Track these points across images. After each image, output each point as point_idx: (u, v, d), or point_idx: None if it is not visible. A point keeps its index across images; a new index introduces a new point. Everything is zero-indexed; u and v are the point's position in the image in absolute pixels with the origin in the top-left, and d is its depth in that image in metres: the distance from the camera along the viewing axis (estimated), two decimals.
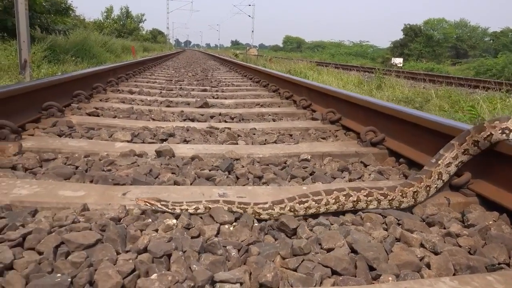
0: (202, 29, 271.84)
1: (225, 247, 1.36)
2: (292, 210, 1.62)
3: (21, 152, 2.32)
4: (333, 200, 1.66)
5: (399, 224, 1.61)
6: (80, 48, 15.86)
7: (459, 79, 12.72)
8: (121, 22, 51.36)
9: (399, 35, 64.83)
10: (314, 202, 1.64)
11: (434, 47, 57.92)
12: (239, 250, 1.36)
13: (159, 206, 1.59)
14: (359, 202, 1.69)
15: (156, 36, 74.54)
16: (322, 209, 1.66)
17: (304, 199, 1.63)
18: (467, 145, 1.86)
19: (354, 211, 1.72)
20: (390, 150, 2.67)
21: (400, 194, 1.73)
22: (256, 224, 1.54)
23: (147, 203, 1.59)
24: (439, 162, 1.85)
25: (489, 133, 1.81)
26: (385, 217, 1.66)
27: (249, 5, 60.59)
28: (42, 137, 2.72)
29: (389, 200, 1.72)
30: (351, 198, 1.68)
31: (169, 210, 1.60)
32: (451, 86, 10.44)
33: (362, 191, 1.70)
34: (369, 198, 1.70)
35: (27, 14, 9.25)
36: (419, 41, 58.12)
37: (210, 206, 1.61)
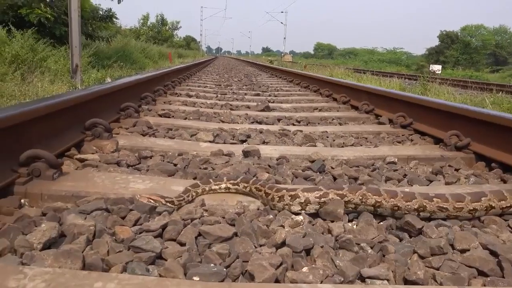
0: (233, 36, 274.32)
1: (359, 244, 1.36)
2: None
3: (118, 149, 2.40)
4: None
5: None
6: (121, 54, 16.31)
7: (508, 87, 12.27)
8: (156, 29, 52.53)
9: (435, 42, 63.41)
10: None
11: (471, 54, 56.42)
12: (372, 247, 1.36)
13: (163, 202, 1.54)
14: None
15: (190, 43, 75.85)
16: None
17: None
18: None
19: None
20: (478, 154, 2.61)
21: None
22: (381, 223, 1.54)
23: (150, 200, 1.52)
24: None
25: None
26: (507, 220, 1.62)
27: (282, 12, 60.80)
28: (129, 136, 2.81)
29: None
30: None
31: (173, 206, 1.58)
32: (502, 94, 10.07)
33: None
34: None
35: (79, 21, 9.59)
36: (455, 48, 56.79)
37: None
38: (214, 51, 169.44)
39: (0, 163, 1.65)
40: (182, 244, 1.33)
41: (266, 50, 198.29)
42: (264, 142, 2.91)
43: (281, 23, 59.66)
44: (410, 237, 1.49)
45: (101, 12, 16.46)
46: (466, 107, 2.83)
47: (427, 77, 12.52)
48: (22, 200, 1.58)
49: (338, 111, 4.82)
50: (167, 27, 55.90)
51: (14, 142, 1.80)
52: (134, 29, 45.22)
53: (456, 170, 2.41)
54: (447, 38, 58.00)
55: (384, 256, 1.32)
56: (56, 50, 12.24)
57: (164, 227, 1.40)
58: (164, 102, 4.66)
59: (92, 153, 2.26)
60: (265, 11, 66.29)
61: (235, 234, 1.38)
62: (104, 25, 16.40)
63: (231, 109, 4.46)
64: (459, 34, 58.96)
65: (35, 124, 2.00)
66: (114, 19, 18.27)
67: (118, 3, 14.90)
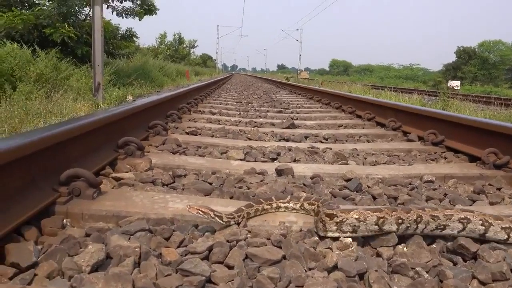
0: (249, 54, 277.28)
1: (413, 268, 1.30)
2: None
3: (151, 167, 2.39)
4: None
5: None
6: (140, 72, 16.57)
7: None
8: (174, 48, 53.40)
9: (452, 58, 62.94)
10: None
11: (490, 70, 55.76)
12: (427, 272, 1.30)
13: (212, 216, 1.53)
14: None
15: (206, 60, 76.83)
16: None
17: None
18: None
19: None
20: None
21: None
22: (434, 246, 1.47)
23: (199, 211, 1.52)
24: None
25: None
26: None
27: (297, 29, 61.30)
28: (160, 154, 2.81)
29: None
30: None
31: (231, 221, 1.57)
32: None
33: None
34: None
35: (102, 40, 9.80)
36: (473, 64, 56.22)
37: None
38: (229, 69, 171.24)
39: (42, 182, 1.64)
40: (230, 267, 1.29)
41: (281, 67, 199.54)
42: (295, 160, 2.87)
43: (297, 40, 60.07)
44: (465, 261, 1.42)
45: (119, 32, 16.81)
46: (504, 124, 2.76)
47: (448, 93, 12.37)
48: (64, 220, 1.56)
49: (363, 128, 4.77)
50: (184, 45, 56.80)
51: (54, 161, 1.80)
52: (152, 48, 46.04)
53: (498, 189, 2.33)
54: (464, 54, 57.50)
55: (441, 281, 1.26)
56: (78, 69, 12.52)
57: (210, 249, 1.36)
58: (189, 120, 4.68)
59: (127, 172, 2.25)
60: (281, 29, 66.90)
61: (283, 257, 1.34)
62: (124, 43, 16.72)
63: (256, 126, 4.44)
64: (476, 49, 58.41)
65: (73, 143, 2.00)
66: (135, 38, 18.66)
67: (139, 20, 15.22)
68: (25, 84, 9.53)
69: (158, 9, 16.06)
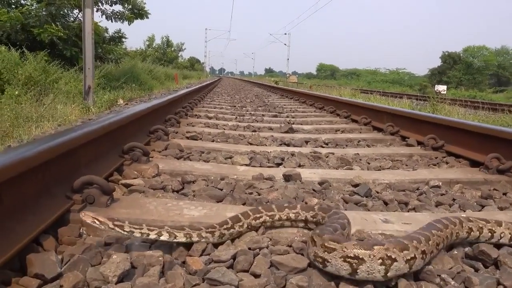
0: (236, 57, 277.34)
1: (439, 275, 1.30)
2: None
3: (159, 173, 2.36)
4: None
5: None
6: (129, 75, 16.45)
7: None
8: (162, 51, 53.16)
9: (437, 63, 63.88)
10: None
11: (474, 75, 56.72)
12: (453, 278, 1.30)
13: (111, 225, 1.34)
14: None
15: (194, 64, 76.64)
16: None
17: None
18: None
19: None
20: None
21: None
22: (455, 252, 1.48)
23: (95, 220, 1.35)
24: None
25: None
26: None
27: (285, 33, 61.55)
28: (164, 159, 2.78)
29: None
30: None
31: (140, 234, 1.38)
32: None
33: None
34: None
35: (93, 44, 9.70)
36: (458, 69, 57.14)
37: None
38: (217, 72, 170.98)
39: (57, 191, 1.61)
40: (256, 276, 1.28)
41: (269, 71, 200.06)
42: (299, 165, 2.87)
43: (285, 44, 60.30)
44: (486, 267, 1.43)
45: (107, 35, 16.64)
46: (506, 130, 2.80)
47: (437, 97, 12.54)
48: (81, 229, 1.53)
49: (360, 132, 4.79)
50: (172, 48, 56.59)
51: (67, 168, 1.77)
52: (140, 51, 45.77)
53: (504, 194, 2.36)
54: (449, 59, 58.44)
55: None
56: (66, 72, 12.36)
57: (233, 257, 1.35)
58: (187, 124, 4.65)
59: (135, 178, 2.22)
60: (269, 33, 67.11)
61: (309, 265, 1.33)
62: (114, 48, 16.55)
63: (254, 131, 4.43)
64: (461, 55, 59.41)
65: (83, 150, 1.97)
66: (123, 39, 18.51)
67: (129, 24, 15.12)
68: (13, 87, 9.38)
69: (150, 14, 15.96)
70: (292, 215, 1.64)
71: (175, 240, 1.39)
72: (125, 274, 1.22)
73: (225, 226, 1.48)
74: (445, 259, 1.41)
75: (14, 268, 1.24)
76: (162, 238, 1.38)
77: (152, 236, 1.37)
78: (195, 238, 1.42)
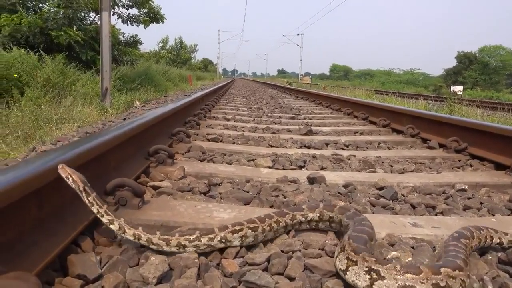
0: (249, 58, 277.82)
1: (480, 281, 1.30)
2: None
3: (185, 176, 2.39)
4: None
5: None
6: (144, 77, 16.60)
7: None
8: (175, 52, 53.53)
9: (452, 63, 63.11)
10: None
11: (490, 75, 55.89)
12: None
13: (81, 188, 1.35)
14: None
15: (207, 65, 77.03)
16: None
17: None
18: None
19: None
20: None
21: None
22: (489, 257, 1.47)
23: (69, 176, 1.35)
24: None
25: None
26: None
27: (298, 34, 61.50)
28: (188, 161, 2.81)
29: None
30: None
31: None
32: None
33: None
34: None
35: (110, 46, 9.83)
36: (474, 69, 56.36)
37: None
38: (230, 73, 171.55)
39: None
40: (291, 279, 1.29)
41: (281, 72, 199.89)
42: (322, 168, 2.87)
43: (297, 45, 60.25)
44: None
45: (121, 37, 16.80)
46: None
47: (454, 98, 12.38)
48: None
49: (379, 134, 4.76)
50: (186, 50, 56.95)
51: (99, 171, 1.80)
52: (154, 53, 46.16)
53: None
54: (465, 59, 57.68)
55: None
56: (83, 74, 12.53)
57: (267, 260, 1.36)
58: (207, 126, 4.68)
59: (162, 180, 2.25)
60: (282, 34, 67.17)
61: None
62: (129, 50, 16.74)
63: (274, 133, 4.44)
64: (477, 54, 58.60)
65: (112, 153, 2.00)
66: (139, 44, 18.71)
67: (145, 28, 15.26)
68: (33, 89, 9.54)
69: (166, 18, 16.07)
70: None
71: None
72: (163, 276, 1.24)
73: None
74: (479, 264, 1.40)
75: (55, 268, 1.27)
76: None
77: None
78: None
